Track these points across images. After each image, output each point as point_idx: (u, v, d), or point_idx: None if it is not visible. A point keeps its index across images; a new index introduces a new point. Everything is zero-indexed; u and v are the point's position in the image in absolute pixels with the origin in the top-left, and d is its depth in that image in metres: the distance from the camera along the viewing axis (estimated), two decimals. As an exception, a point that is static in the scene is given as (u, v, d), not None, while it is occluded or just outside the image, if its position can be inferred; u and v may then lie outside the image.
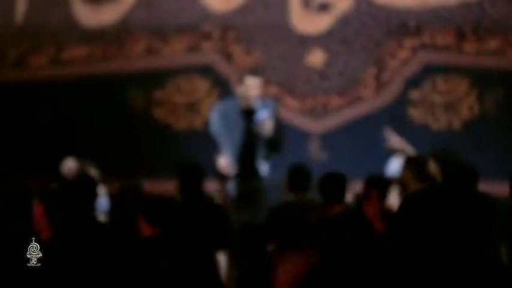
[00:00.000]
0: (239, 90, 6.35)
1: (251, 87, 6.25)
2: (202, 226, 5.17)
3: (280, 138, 6.33)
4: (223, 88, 8.34)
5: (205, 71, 8.44)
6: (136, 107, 8.52)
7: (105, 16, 8.68)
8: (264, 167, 6.28)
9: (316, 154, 8.14)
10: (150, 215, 4.89)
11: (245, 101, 6.28)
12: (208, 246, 5.09)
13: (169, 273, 4.76)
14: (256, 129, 6.14)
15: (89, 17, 8.72)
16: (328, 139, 8.15)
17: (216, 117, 6.40)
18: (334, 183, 5.24)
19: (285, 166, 7.46)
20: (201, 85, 8.44)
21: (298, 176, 5.80)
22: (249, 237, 4.70)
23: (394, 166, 6.52)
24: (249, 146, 6.25)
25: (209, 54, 8.47)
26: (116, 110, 8.45)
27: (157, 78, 8.53)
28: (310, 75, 8.29)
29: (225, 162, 6.28)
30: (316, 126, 8.24)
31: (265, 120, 6.12)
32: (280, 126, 6.43)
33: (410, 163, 5.22)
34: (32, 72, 8.78)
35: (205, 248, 5.04)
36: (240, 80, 6.35)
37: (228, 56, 8.41)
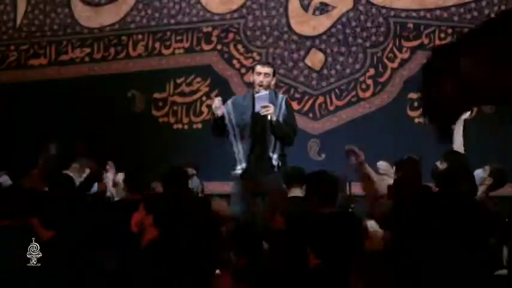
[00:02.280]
0: (250, 79, 6.37)
1: (258, 74, 6.25)
2: (192, 225, 5.16)
3: (286, 130, 6.28)
4: (223, 89, 8.36)
5: (205, 71, 8.46)
6: (136, 108, 8.54)
7: (105, 17, 8.70)
8: (275, 156, 6.24)
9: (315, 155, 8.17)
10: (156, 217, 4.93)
11: (254, 88, 6.29)
12: (201, 246, 5.10)
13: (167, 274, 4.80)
14: (256, 109, 6.11)
15: (89, 18, 8.74)
16: (328, 140, 8.16)
17: (228, 104, 6.39)
18: (328, 183, 5.19)
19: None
20: (201, 86, 8.46)
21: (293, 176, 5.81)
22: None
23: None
24: (259, 134, 6.23)
25: (209, 55, 8.49)
26: (116, 111, 8.46)
27: (157, 79, 8.55)
28: (309, 76, 8.31)
29: (217, 101, 6.25)
30: (315, 126, 8.25)
31: (262, 97, 6.09)
32: (291, 120, 6.38)
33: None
34: (33, 73, 8.80)
35: (199, 248, 5.06)
36: (252, 69, 6.37)
37: (227, 57, 8.43)
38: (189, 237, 5.02)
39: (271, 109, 6.08)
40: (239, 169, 6.23)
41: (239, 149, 6.26)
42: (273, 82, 6.35)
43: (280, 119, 6.21)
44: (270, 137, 6.18)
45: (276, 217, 5.26)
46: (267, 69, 6.29)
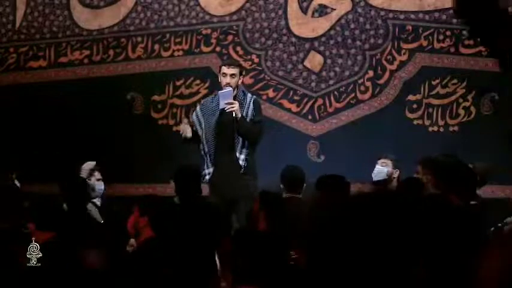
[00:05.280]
0: (219, 79, 6.39)
1: (224, 75, 6.27)
2: (199, 228, 5.18)
3: (251, 129, 6.27)
4: (222, 91, 8.36)
5: (204, 73, 8.46)
6: (135, 110, 8.54)
7: (104, 19, 8.70)
8: (242, 157, 6.25)
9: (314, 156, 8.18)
10: (153, 219, 4.94)
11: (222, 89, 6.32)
12: (205, 248, 5.11)
13: (168, 274, 4.80)
14: (221, 106, 6.13)
15: (88, 20, 8.74)
16: (327, 142, 8.17)
17: (197, 110, 6.45)
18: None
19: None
20: (200, 88, 8.46)
21: (292, 176, 5.86)
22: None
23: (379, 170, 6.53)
24: (226, 134, 6.24)
25: (208, 57, 8.49)
26: (115, 113, 8.46)
27: (157, 81, 8.55)
28: (308, 78, 8.31)
29: (184, 125, 6.30)
30: (314, 128, 8.26)
31: (225, 94, 6.11)
32: (257, 120, 6.39)
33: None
34: (32, 76, 8.80)
35: (202, 250, 5.06)
36: (219, 70, 6.40)
37: (226, 59, 8.41)
38: (184, 239, 5.04)
39: (236, 105, 6.09)
40: (207, 174, 6.24)
41: (206, 152, 6.28)
42: (240, 82, 6.37)
43: (248, 118, 6.23)
44: (237, 137, 6.19)
45: (260, 219, 5.31)
46: (233, 70, 6.29)
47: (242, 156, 6.20)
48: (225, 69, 6.30)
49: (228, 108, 6.06)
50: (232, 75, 6.24)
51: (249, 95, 6.45)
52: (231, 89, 6.16)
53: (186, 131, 6.26)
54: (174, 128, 8.43)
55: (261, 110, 6.47)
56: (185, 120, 6.43)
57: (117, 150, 8.24)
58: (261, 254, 4.69)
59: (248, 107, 6.27)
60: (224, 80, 6.24)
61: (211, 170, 6.23)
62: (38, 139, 8.42)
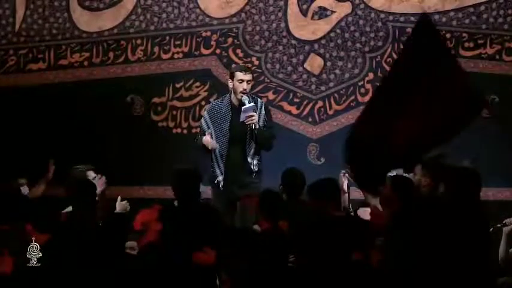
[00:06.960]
0: (229, 84, 6.41)
1: (240, 81, 6.29)
2: (197, 230, 5.18)
3: (268, 136, 6.34)
4: (222, 93, 8.34)
5: (204, 76, 8.46)
6: (135, 112, 8.53)
7: (104, 22, 8.70)
8: (254, 162, 6.29)
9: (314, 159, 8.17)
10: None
11: (234, 95, 6.34)
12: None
13: (167, 277, 4.80)
14: (241, 119, 6.18)
15: (88, 22, 8.73)
16: (327, 144, 8.16)
17: (205, 116, 6.47)
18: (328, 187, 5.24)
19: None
20: (200, 90, 8.46)
21: (292, 179, 5.87)
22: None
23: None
24: (238, 139, 6.28)
25: (208, 60, 8.49)
26: (115, 115, 8.46)
27: (156, 83, 8.55)
28: (308, 80, 8.31)
29: (208, 138, 6.32)
30: (314, 131, 8.26)
31: (248, 108, 6.16)
32: (270, 125, 6.45)
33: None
34: (32, 78, 8.79)
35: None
36: (231, 75, 6.41)
37: (226, 62, 8.43)
38: (183, 243, 5.04)
39: (256, 118, 6.18)
40: (221, 180, 6.27)
41: (217, 157, 6.30)
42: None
43: (261, 123, 6.28)
44: (250, 143, 6.24)
45: (262, 221, 5.32)
46: (249, 76, 6.36)
47: (255, 162, 6.29)
48: (241, 75, 6.32)
49: (248, 121, 6.14)
50: (248, 81, 6.30)
51: (259, 100, 6.50)
52: (253, 104, 6.22)
53: (213, 144, 6.27)
54: (175, 131, 8.45)
55: (271, 114, 6.53)
56: (213, 143, 6.39)
57: (117, 152, 8.23)
58: (259, 254, 4.70)
59: (260, 113, 6.31)
60: (241, 86, 6.28)
61: (223, 176, 6.27)
62: (38, 141, 8.41)
